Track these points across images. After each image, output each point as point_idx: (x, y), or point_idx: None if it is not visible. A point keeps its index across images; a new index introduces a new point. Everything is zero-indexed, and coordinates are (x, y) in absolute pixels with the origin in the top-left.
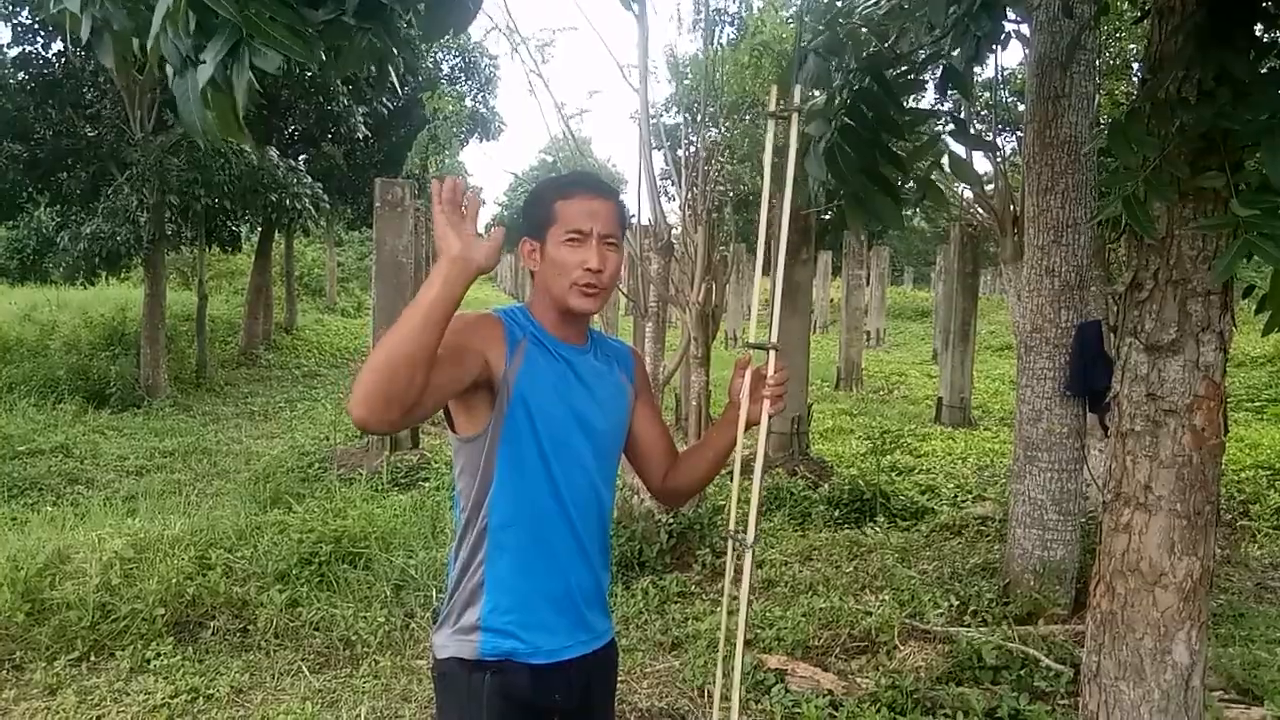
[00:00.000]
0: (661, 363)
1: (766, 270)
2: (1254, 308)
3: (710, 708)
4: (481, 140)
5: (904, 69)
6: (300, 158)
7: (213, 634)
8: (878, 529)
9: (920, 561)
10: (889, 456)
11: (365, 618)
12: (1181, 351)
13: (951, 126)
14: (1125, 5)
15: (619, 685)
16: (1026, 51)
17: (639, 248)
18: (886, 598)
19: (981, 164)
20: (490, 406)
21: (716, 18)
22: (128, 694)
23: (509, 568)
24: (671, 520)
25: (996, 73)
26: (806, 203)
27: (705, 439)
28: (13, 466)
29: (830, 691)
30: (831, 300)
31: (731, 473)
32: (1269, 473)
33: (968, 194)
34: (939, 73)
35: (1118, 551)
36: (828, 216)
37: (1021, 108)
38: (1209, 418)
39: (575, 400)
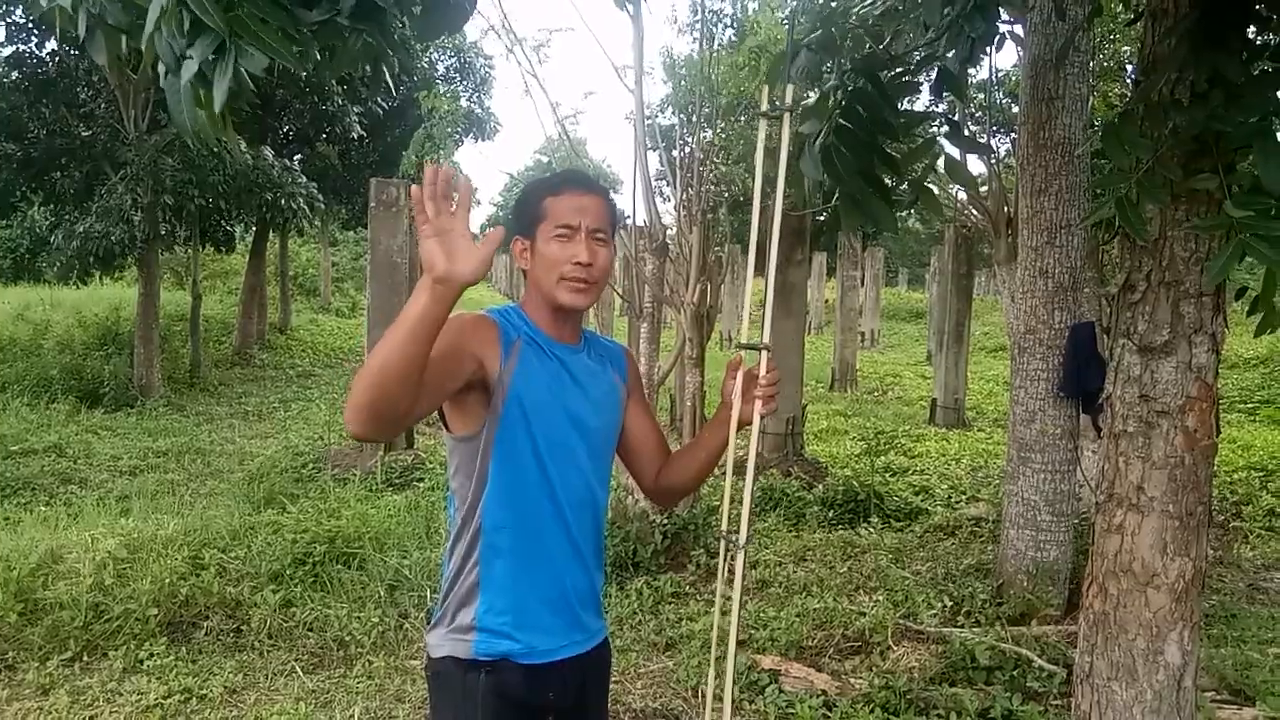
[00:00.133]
0: (656, 363)
1: (760, 271)
2: (1246, 309)
3: (704, 708)
4: (477, 141)
5: (899, 70)
6: (295, 157)
7: (206, 634)
8: (872, 530)
9: (914, 562)
10: (883, 457)
11: (359, 618)
12: (1174, 353)
13: (946, 129)
14: (1119, 7)
15: (613, 686)
16: (1020, 53)
17: (634, 248)
18: (880, 598)
19: (976, 166)
20: (485, 407)
21: (713, 18)
22: (121, 694)
23: (504, 568)
24: (666, 521)
25: (991, 75)
26: (802, 204)
27: (697, 439)
28: (5, 466)
29: (824, 692)
30: (826, 301)
31: (725, 472)
32: (1261, 474)
33: (962, 196)
34: (934, 75)
35: (1110, 552)
36: (823, 218)
37: (1016, 110)
38: (1201, 419)
39: (569, 400)
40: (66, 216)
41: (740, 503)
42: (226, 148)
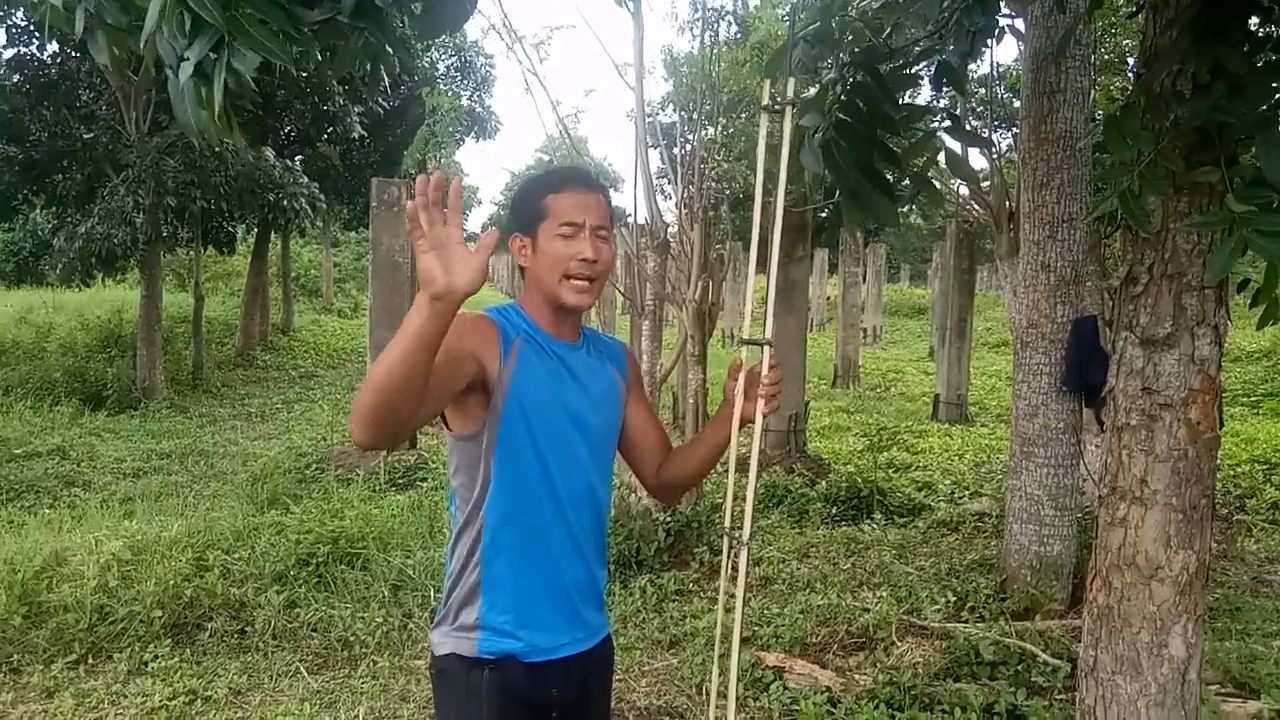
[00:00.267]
0: (658, 361)
1: (762, 267)
2: (1249, 302)
3: (709, 705)
4: (478, 139)
5: (899, 64)
6: (296, 158)
7: (210, 636)
8: (875, 526)
9: (917, 558)
10: (886, 453)
11: (363, 618)
12: (1177, 345)
13: (947, 123)
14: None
15: (617, 683)
16: (1021, 47)
17: (636, 246)
18: (884, 594)
19: (977, 160)
20: (484, 406)
21: (714, 15)
22: (125, 696)
23: (506, 567)
24: (669, 518)
25: (992, 68)
26: (803, 199)
27: (699, 435)
28: (9, 469)
29: (828, 688)
30: (828, 298)
31: (728, 470)
32: (1265, 467)
33: (964, 190)
34: (934, 68)
35: (1114, 546)
36: (824, 214)
37: (1017, 104)
38: (1204, 411)
39: (569, 397)
40: (68, 219)
41: (743, 500)
42: (229, 148)
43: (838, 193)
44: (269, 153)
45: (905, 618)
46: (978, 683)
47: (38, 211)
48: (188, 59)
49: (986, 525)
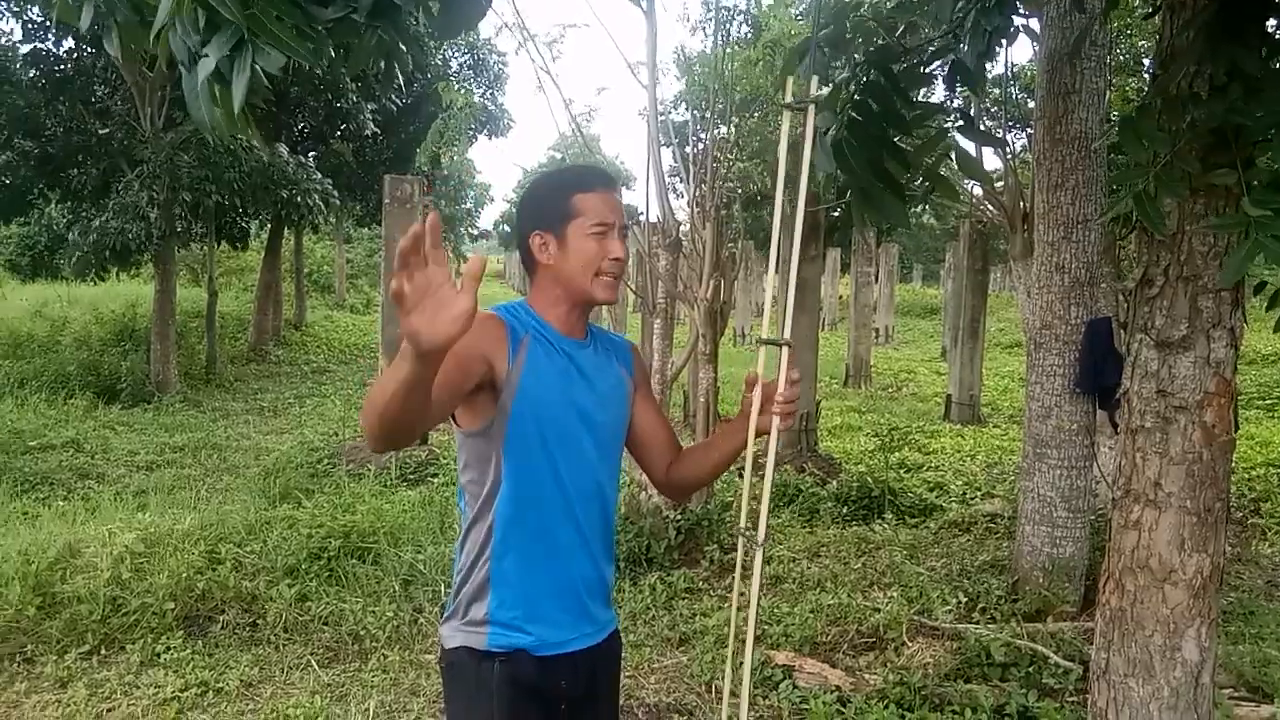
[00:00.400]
0: (670, 359)
1: (784, 258)
2: (1265, 304)
3: (718, 703)
4: (490, 136)
5: (913, 62)
6: (310, 154)
7: (222, 628)
8: (886, 526)
9: (928, 558)
10: (897, 454)
11: (374, 612)
12: (1192, 348)
13: (960, 122)
14: (1136, 0)
15: (627, 680)
16: (1036, 47)
17: (648, 244)
18: (895, 594)
19: (991, 160)
20: (494, 404)
21: (727, 14)
22: (138, 687)
23: (515, 563)
24: (679, 516)
25: (1007, 69)
26: (816, 199)
27: (714, 439)
28: (24, 461)
29: (838, 688)
30: (840, 297)
31: (742, 470)
32: None
33: (978, 191)
34: (947, 67)
35: (1127, 548)
36: (837, 214)
37: (1031, 104)
38: (1220, 414)
39: (577, 394)
40: (83, 214)
41: (757, 499)
42: (244, 144)
43: (849, 192)
44: (283, 149)
45: (916, 618)
46: (988, 684)
47: (53, 206)
48: (206, 55)
49: (998, 526)
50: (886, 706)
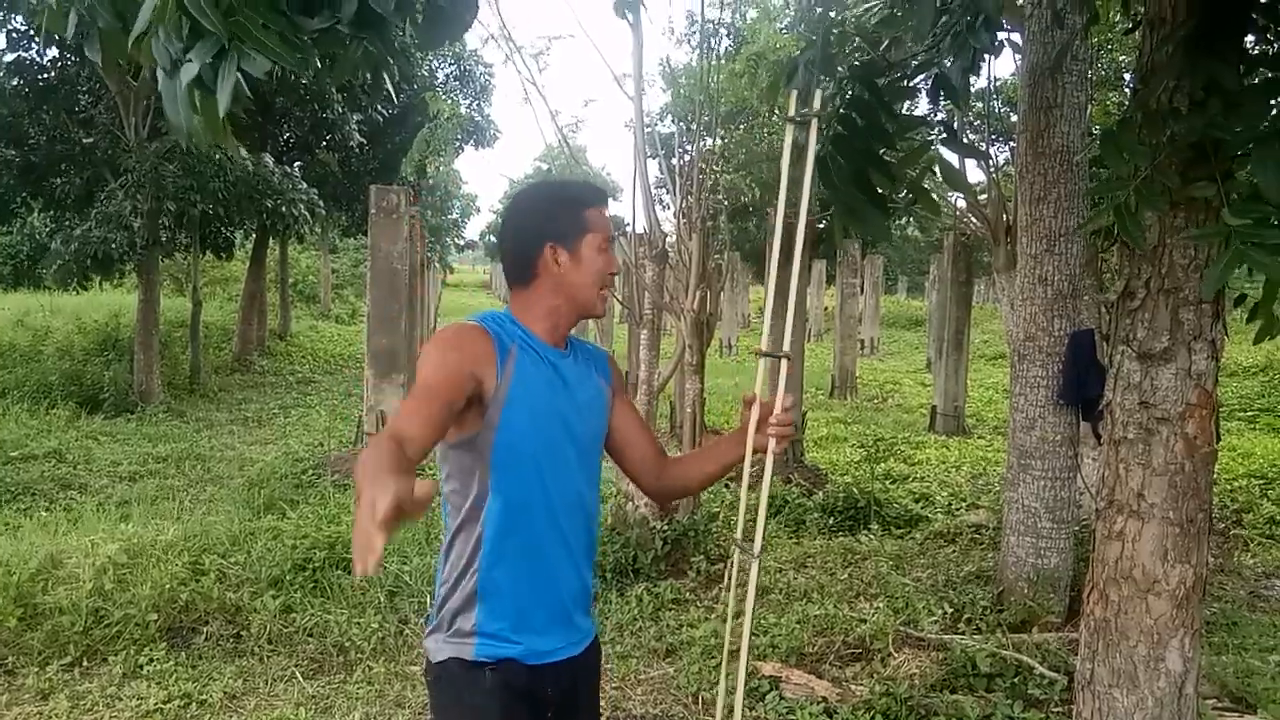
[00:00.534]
0: (656, 370)
1: (784, 272)
2: (1245, 316)
3: (705, 714)
4: (477, 147)
5: (896, 76)
6: (295, 164)
7: (206, 639)
8: (872, 536)
9: (914, 569)
10: (883, 464)
11: (359, 624)
12: (1174, 359)
13: (944, 135)
14: (1117, 16)
15: (614, 691)
16: (1019, 61)
17: (634, 255)
18: (881, 605)
19: (975, 173)
20: (480, 416)
21: (711, 27)
22: (120, 699)
23: (503, 574)
24: (666, 527)
25: (990, 83)
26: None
27: (710, 450)
28: (5, 472)
29: (824, 699)
30: (825, 309)
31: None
32: (1262, 482)
33: (961, 203)
34: (931, 81)
35: (1111, 559)
36: (822, 225)
37: (1014, 118)
38: (1201, 425)
39: (561, 405)
40: (66, 223)
41: (750, 511)
42: (226, 153)
43: (832, 206)
44: (268, 159)
45: (902, 629)
46: (974, 694)
47: (36, 215)
48: (189, 61)
49: (983, 537)
50: (873, 717)
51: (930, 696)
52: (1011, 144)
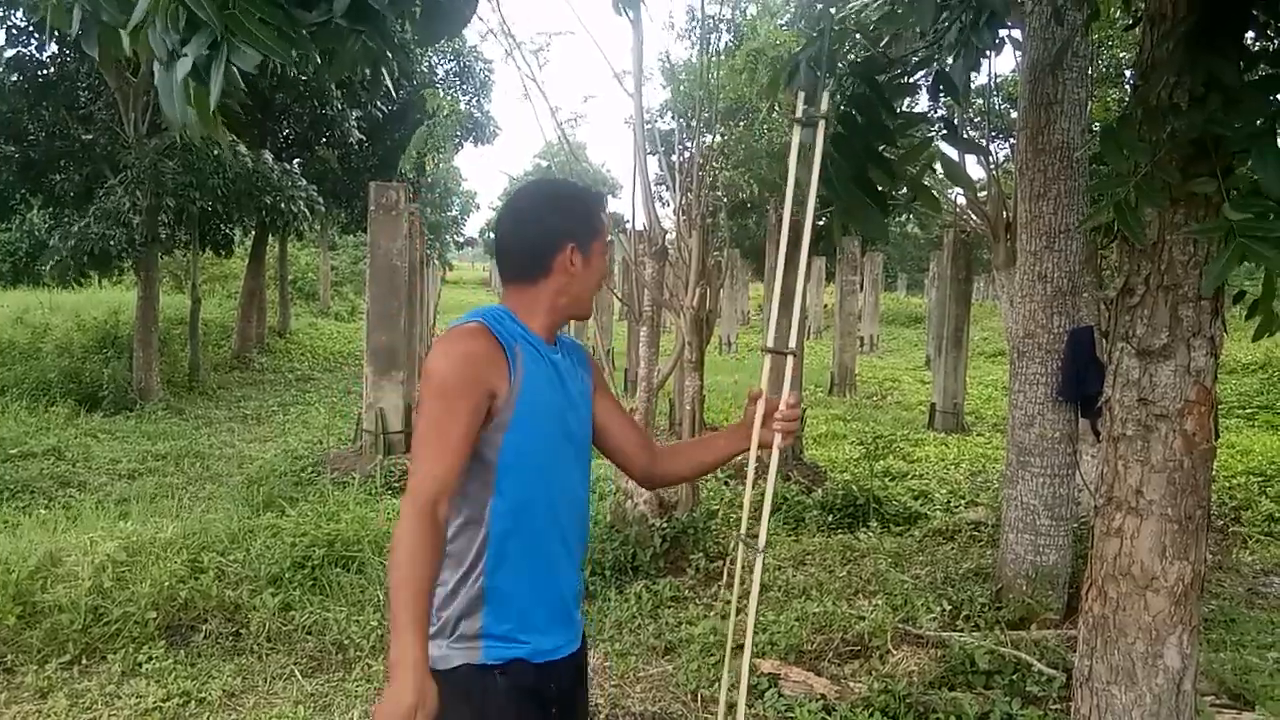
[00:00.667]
0: (656, 367)
1: (789, 270)
2: (1245, 313)
3: (704, 712)
4: (476, 144)
5: (897, 73)
6: (295, 161)
7: (205, 637)
8: (871, 534)
9: (913, 566)
10: (882, 462)
11: (358, 621)
12: (1173, 356)
13: (944, 131)
14: (1117, 12)
15: (612, 689)
16: (1019, 57)
17: (634, 252)
18: (879, 602)
19: (975, 170)
20: (490, 417)
21: (711, 23)
22: (119, 697)
23: (508, 575)
24: (665, 525)
25: (990, 79)
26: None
27: (710, 440)
28: (4, 469)
29: (823, 696)
30: (825, 306)
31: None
32: (1260, 479)
33: (961, 200)
34: (931, 78)
35: (1109, 556)
36: (821, 222)
37: (1014, 114)
38: (1200, 422)
39: (560, 402)
40: (65, 219)
41: (758, 504)
42: (221, 146)
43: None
44: (267, 155)
45: (901, 626)
46: (973, 691)
47: (35, 211)
48: (185, 55)
49: (982, 534)
50: (872, 714)
51: (929, 693)
52: (1011, 140)
